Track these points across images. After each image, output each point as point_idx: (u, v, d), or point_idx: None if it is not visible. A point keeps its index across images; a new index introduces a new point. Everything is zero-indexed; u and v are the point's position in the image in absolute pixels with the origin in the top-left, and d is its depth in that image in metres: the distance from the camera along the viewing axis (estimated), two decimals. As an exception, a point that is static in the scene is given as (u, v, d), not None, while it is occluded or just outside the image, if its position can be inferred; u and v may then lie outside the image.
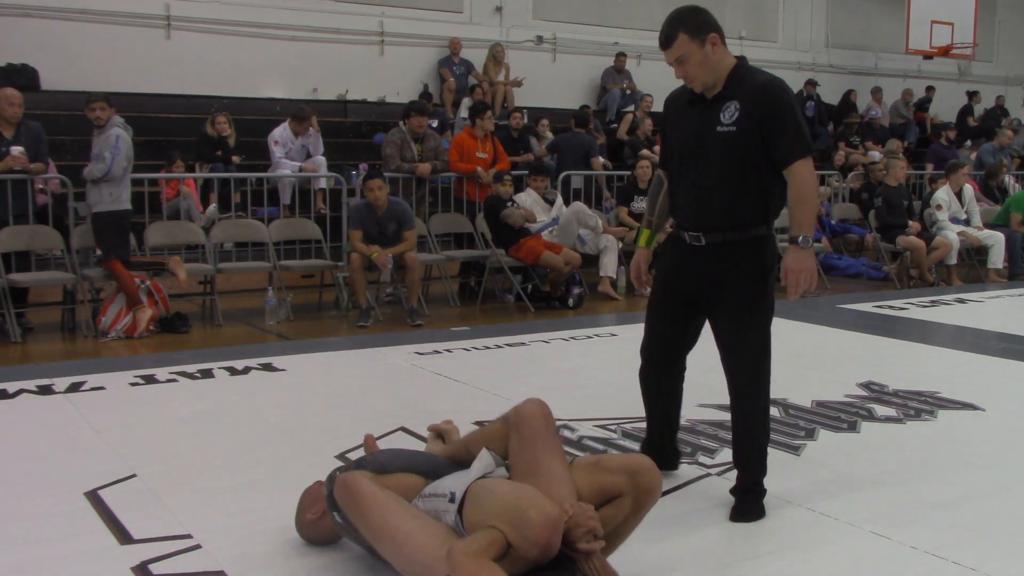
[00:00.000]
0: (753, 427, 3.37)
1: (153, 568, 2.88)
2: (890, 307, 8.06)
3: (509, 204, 8.22)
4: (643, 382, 3.64)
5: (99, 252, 6.99)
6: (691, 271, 3.40)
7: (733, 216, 3.28)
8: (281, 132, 9.49)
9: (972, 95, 16.81)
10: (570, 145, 10.27)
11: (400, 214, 7.48)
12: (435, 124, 11.00)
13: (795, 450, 4.03)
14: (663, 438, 3.67)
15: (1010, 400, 5.03)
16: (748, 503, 3.35)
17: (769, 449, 3.94)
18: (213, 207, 8.65)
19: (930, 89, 16.82)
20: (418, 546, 2.45)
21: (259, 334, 7.05)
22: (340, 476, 2.73)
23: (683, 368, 3.63)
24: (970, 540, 3.12)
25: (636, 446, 4.12)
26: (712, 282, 3.35)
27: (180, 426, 4.43)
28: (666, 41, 3.26)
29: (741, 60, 3.32)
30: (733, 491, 3.41)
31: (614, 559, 2.61)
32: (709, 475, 3.75)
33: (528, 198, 8.56)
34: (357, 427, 4.24)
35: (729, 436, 4.26)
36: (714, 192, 3.28)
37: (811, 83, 15.32)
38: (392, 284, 8.05)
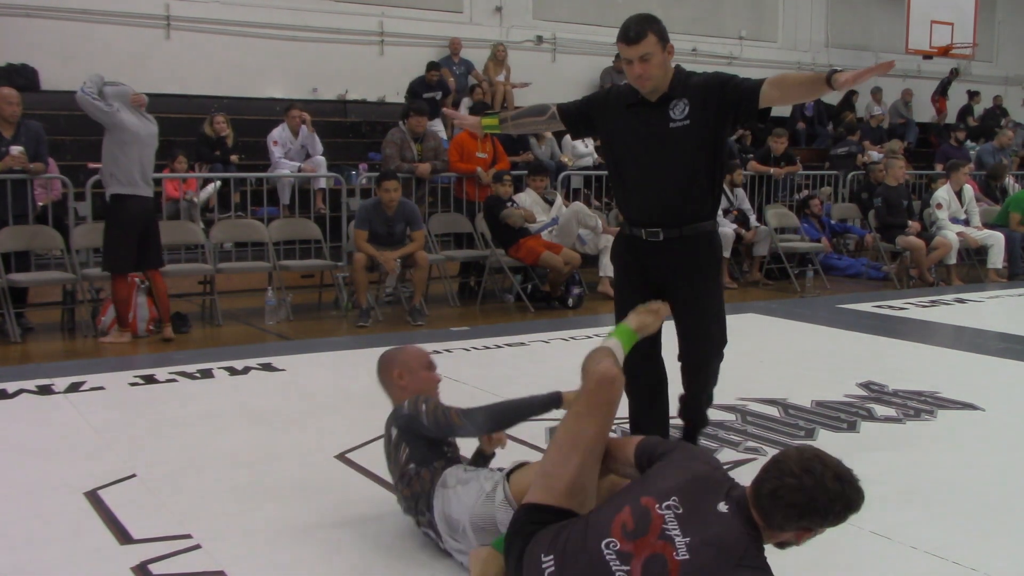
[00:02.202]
0: (703, 403, 3.81)
1: (153, 568, 2.88)
2: (890, 307, 8.06)
3: (509, 204, 8.22)
4: (628, 382, 3.64)
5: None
6: (651, 266, 3.60)
7: (688, 211, 3.52)
8: (280, 132, 9.51)
9: (973, 95, 16.80)
10: None
11: (409, 214, 7.52)
12: (438, 96, 11.29)
13: (795, 450, 4.03)
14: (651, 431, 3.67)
15: (1010, 400, 5.04)
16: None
17: (769, 450, 3.97)
18: (211, 186, 8.60)
19: (954, 72, 16.71)
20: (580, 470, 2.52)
21: (259, 334, 7.05)
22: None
23: (659, 360, 3.72)
24: (970, 540, 3.13)
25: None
26: (672, 275, 3.57)
27: (180, 426, 4.43)
28: (636, 37, 3.38)
29: (678, 67, 3.54)
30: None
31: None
32: (709, 475, 3.74)
33: (528, 198, 8.56)
34: (357, 427, 4.24)
35: (729, 436, 4.27)
36: (670, 188, 3.50)
37: None
38: (395, 283, 8.03)
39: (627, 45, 3.42)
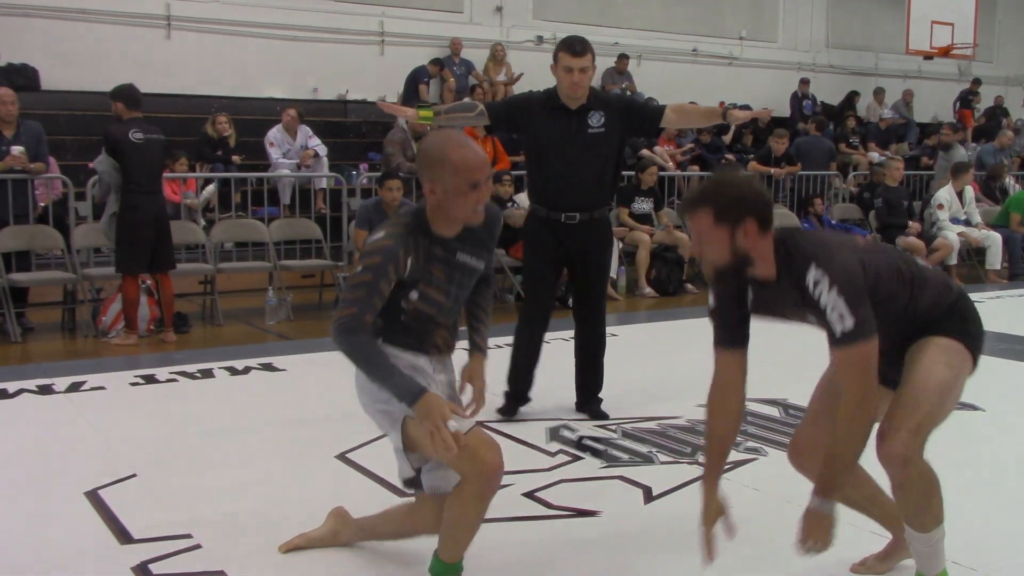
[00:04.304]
0: (601, 357, 4.63)
1: (153, 568, 2.88)
2: (890, 307, 8.04)
3: (509, 204, 8.21)
4: (526, 334, 4.59)
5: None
6: (565, 244, 4.40)
7: (598, 197, 4.39)
8: (275, 133, 9.50)
9: (973, 95, 16.79)
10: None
11: None
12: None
13: (795, 450, 4.03)
14: (527, 381, 4.61)
15: (1010, 400, 5.04)
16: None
17: (769, 450, 3.98)
18: (211, 188, 8.61)
19: (976, 82, 16.70)
20: None
21: (259, 334, 7.05)
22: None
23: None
24: (970, 540, 3.12)
25: (637, 446, 4.13)
26: (582, 250, 4.42)
27: (180, 426, 4.43)
28: (582, 51, 4.21)
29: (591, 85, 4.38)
30: (591, 412, 4.58)
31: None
32: (709, 475, 3.74)
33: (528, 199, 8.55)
34: (357, 427, 4.24)
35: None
36: (586, 180, 4.31)
37: (804, 82, 15.27)
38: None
39: (573, 56, 4.19)
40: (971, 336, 2.56)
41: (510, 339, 6.51)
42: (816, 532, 2.46)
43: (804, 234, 2.50)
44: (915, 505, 2.54)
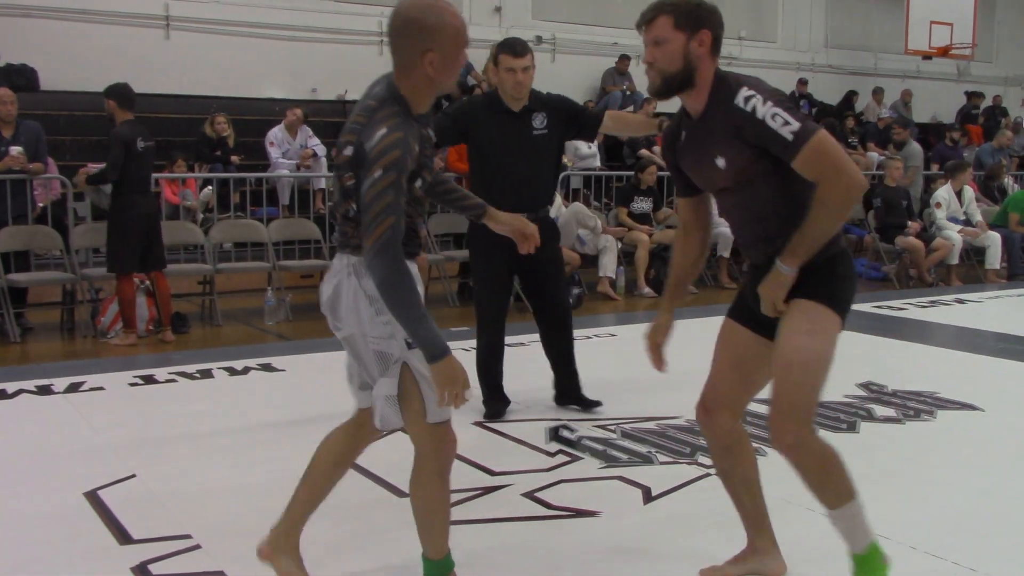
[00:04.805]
0: (572, 353, 4.70)
1: (153, 568, 2.88)
2: (889, 307, 8.06)
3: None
4: (483, 340, 4.67)
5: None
6: (513, 245, 4.30)
7: (543, 197, 4.51)
8: (276, 133, 9.50)
9: (975, 109, 16.76)
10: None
11: None
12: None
13: (795, 450, 4.03)
14: (498, 380, 4.67)
15: (1010, 400, 5.04)
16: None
17: (769, 450, 3.96)
18: (208, 190, 8.62)
19: (977, 96, 16.54)
20: None
21: (258, 334, 7.05)
22: None
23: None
24: (970, 540, 3.13)
25: (636, 446, 4.13)
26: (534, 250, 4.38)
27: (180, 426, 4.43)
28: (523, 51, 4.38)
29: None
30: (582, 403, 4.67)
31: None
32: (709, 475, 3.75)
33: (527, 198, 8.56)
34: (357, 427, 4.24)
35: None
36: (532, 180, 4.42)
37: (802, 82, 15.27)
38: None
39: (515, 57, 4.34)
40: (839, 299, 2.62)
41: (508, 338, 6.51)
42: (772, 288, 2.55)
43: (740, 73, 2.60)
44: (816, 484, 2.60)
